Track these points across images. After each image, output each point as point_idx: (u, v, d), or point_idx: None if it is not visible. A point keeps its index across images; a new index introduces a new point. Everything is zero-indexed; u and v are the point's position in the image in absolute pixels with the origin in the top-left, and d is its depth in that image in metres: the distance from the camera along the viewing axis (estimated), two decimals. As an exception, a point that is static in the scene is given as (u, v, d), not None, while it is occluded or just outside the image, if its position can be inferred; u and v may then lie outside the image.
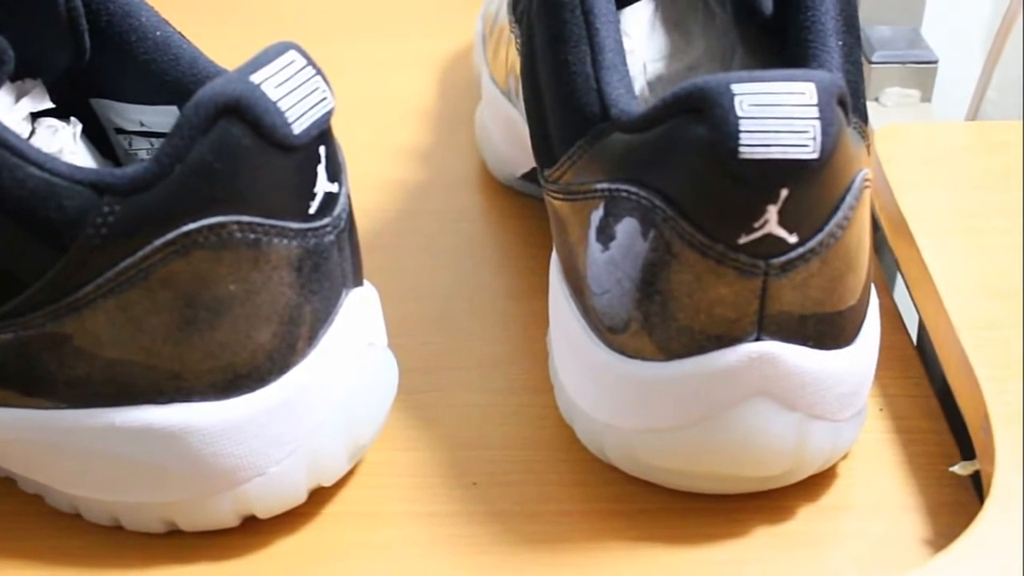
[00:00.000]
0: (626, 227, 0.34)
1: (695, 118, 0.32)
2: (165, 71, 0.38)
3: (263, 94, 0.32)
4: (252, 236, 0.33)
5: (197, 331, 0.33)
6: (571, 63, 0.36)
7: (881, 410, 0.41)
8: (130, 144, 0.40)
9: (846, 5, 0.36)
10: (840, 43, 0.36)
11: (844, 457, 0.38)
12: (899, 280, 0.46)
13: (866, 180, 0.34)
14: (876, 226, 0.45)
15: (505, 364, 0.43)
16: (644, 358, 0.35)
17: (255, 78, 0.32)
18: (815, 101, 0.32)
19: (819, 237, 0.33)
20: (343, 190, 0.35)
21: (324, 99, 0.34)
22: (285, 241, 0.33)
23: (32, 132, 0.39)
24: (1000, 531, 0.34)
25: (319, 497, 0.37)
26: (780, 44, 0.38)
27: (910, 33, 0.54)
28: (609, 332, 0.36)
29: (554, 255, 0.40)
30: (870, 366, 0.37)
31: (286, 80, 0.33)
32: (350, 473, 0.38)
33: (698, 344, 0.34)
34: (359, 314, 0.36)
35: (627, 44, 0.40)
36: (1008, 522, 0.34)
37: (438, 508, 0.38)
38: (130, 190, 0.32)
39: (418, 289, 0.46)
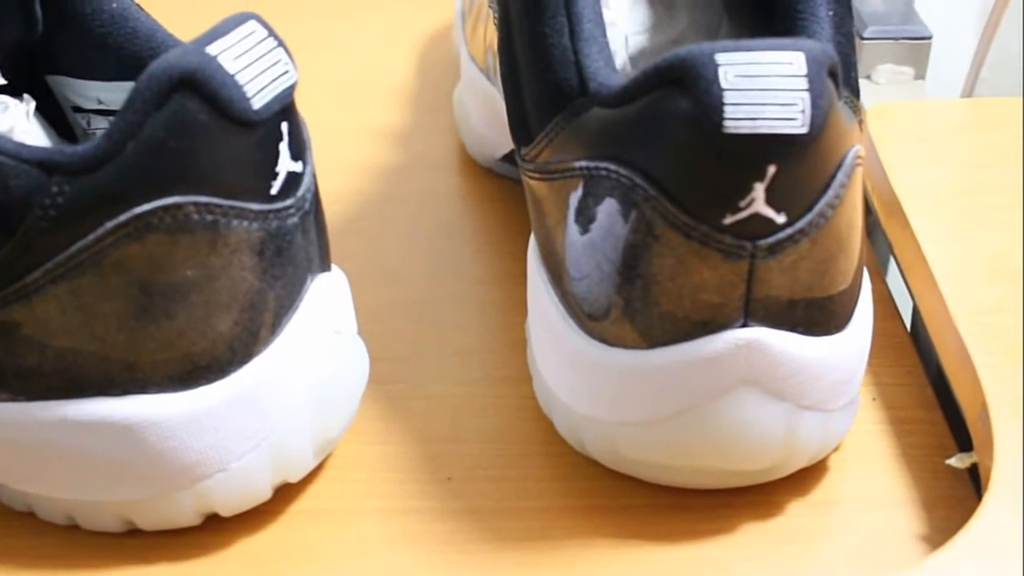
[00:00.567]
0: (606, 208, 0.34)
1: (677, 91, 0.31)
2: (122, 45, 0.37)
3: (220, 66, 0.31)
4: (210, 218, 0.32)
5: (153, 319, 0.32)
6: (548, 35, 0.36)
7: (874, 400, 0.40)
8: (88, 123, 0.40)
9: (836, -26, 0.36)
10: (831, 13, 0.35)
11: (835, 449, 0.38)
12: (892, 263, 0.46)
13: (858, 157, 0.34)
14: (868, 209, 0.45)
15: (482, 353, 0.42)
16: (625, 346, 0.34)
17: (212, 49, 0.31)
18: (804, 72, 0.31)
19: (809, 217, 0.32)
20: (308, 169, 0.34)
21: (286, 72, 0.33)
22: (245, 223, 0.32)
23: (-18, 111, 0.38)
24: (1001, 526, 0.33)
25: (285, 494, 0.37)
26: (768, 16, 0.37)
27: (903, 7, 0.54)
28: (589, 319, 0.35)
29: (532, 239, 0.39)
30: (862, 354, 0.36)
31: (245, 52, 0.32)
32: (318, 468, 0.38)
33: (682, 331, 0.34)
34: (326, 300, 0.35)
35: (608, 16, 0.40)
36: (1009, 517, 0.33)
37: (411, 504, 0.37)
38: (80, 169, 0.31)
39: (393, 275, 0.46)
